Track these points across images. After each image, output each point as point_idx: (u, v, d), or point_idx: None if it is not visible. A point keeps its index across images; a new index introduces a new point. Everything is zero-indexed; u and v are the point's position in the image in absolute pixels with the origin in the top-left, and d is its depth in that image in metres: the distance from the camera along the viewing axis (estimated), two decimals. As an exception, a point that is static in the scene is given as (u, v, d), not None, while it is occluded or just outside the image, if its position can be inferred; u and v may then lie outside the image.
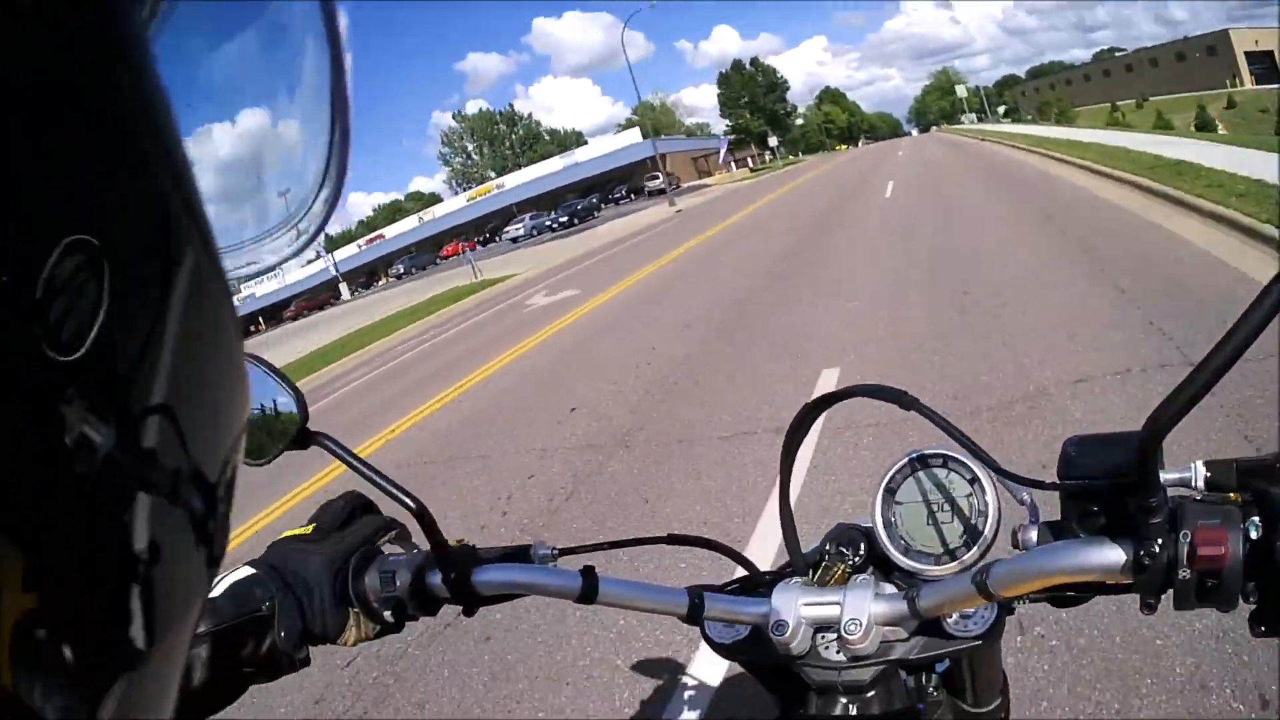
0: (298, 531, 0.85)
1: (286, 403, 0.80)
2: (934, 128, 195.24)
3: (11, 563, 0.19)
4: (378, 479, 0.79)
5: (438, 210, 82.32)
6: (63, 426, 0.21)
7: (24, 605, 0.20)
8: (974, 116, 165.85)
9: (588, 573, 0.77)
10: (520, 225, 56.93)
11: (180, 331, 0.25)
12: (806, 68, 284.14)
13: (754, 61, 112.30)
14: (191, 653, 0.70)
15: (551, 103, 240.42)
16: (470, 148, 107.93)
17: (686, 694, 2.59)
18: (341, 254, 78.13)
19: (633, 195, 62.97)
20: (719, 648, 0.80)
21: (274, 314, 65.09)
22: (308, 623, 0.78)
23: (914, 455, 0.78)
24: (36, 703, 0.20)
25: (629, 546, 0.88)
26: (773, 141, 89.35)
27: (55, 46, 0.20)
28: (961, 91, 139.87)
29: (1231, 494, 0.55)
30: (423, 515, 0.78)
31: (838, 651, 0.73)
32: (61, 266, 0.20)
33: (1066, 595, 0.66)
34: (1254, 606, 0.52)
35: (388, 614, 0.81)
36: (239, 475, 0.29)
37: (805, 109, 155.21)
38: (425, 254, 71.63)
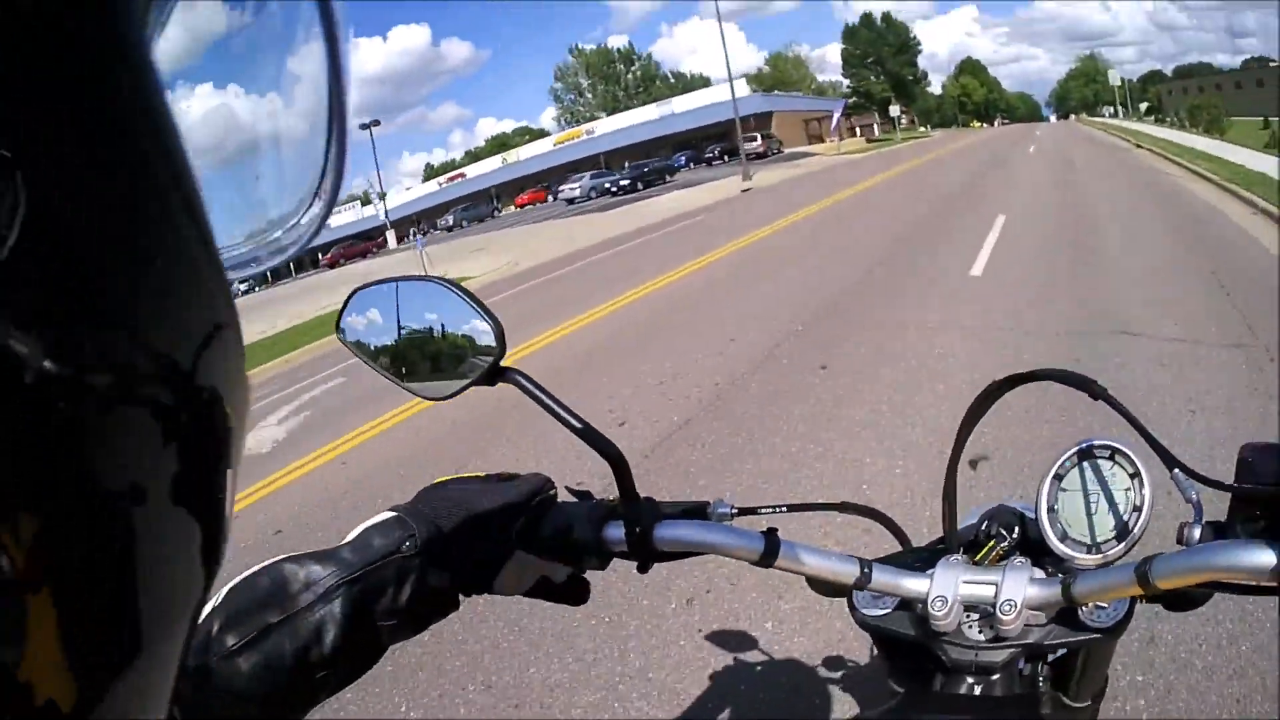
0: (463, 474, 0.84)
1: (485, 331, 0.77)
2: (1072, 115, 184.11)
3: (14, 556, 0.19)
4: (573, 420, 0.77)
5: (523, 152, 77.21)
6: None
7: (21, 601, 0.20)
8: (1114, 110, 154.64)
9: (770, 535, 0.78)
10: (578, 185, 48.82)
11: (180, 329, 0.25)
12: (953, 37, 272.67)
13: (885, 17, 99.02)
14: (320, 613, 0.67)
15: (696, 44, 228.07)
16: (585, 84, 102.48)
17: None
18: (420, 191, 73.51)
19: (726, 157, 56.14)
20: (863, 620, 0.82)
21: (311, 258, 55.17)
22: (461, 563, 0.76)
23: (1084, 445, 0.79)
24: (35, 701, 0.20)
25: (805, 510, 0.89)
26: (894, 110, 77.74)
27: (55, 46, 0.20)
28: (1114, 79, 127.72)
29: None
30: (619, 462, 0.77)
31: (979, 631, 0.76)
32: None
33: (1185, 599, 0.72)
34: None
35: (557, 566, 0.82)
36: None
37: (945, 79, 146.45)
38: (483, 205, 63.12)
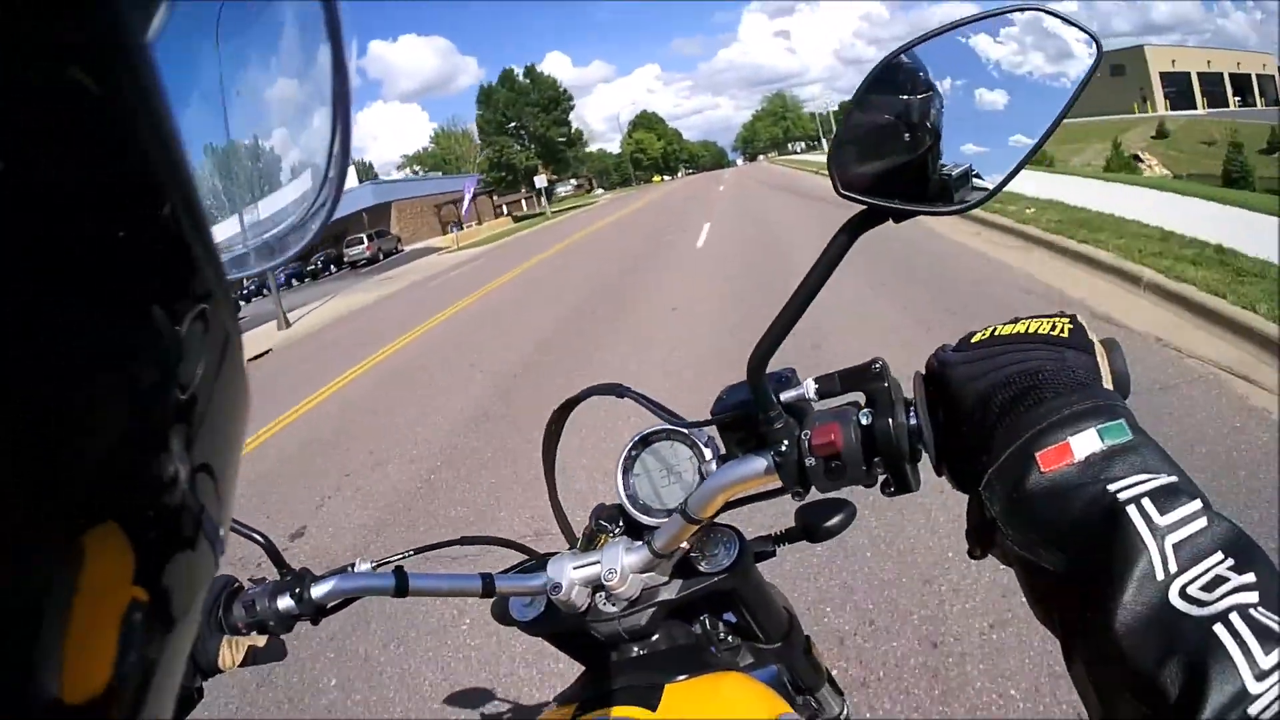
0: None
1: None
2: (761, 157, 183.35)
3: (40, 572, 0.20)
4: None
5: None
6: (165, 448, 0.23)
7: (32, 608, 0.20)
8: (802, 145, 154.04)
9: (399, 572, 0.89)
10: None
11: (179, 329, 0.25)
12: (634, 95, 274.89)
13: (529, 71, 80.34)
14: None
15: (377, 130, 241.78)
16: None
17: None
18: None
19: (333, 268, 42.34)
20: (525, 626, 0.92)
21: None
22: (195, 655, 0.89)
23: (636, 437, 0.91)
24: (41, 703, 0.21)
25: (428, 551, 1.02)
26: (540, 181, 63.60)
27: (54, 46, 0.20)
28: (820, 108, 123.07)
29: (850, 397, 0.67)
30: (268, 545, 0.94)
31: (614, 605, 0.87)
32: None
33: (822, 528, 0.90)
34: (884, 476, 0.65)
35: (256, 636, 0.92)
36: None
37: (621, 138, 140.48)
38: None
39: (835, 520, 0.90)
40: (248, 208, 0.46)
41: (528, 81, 78.65)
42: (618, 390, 0.88)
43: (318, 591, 0.90)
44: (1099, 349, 0.58)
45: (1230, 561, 0.43)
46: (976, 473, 0.54)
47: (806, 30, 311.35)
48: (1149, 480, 0.47)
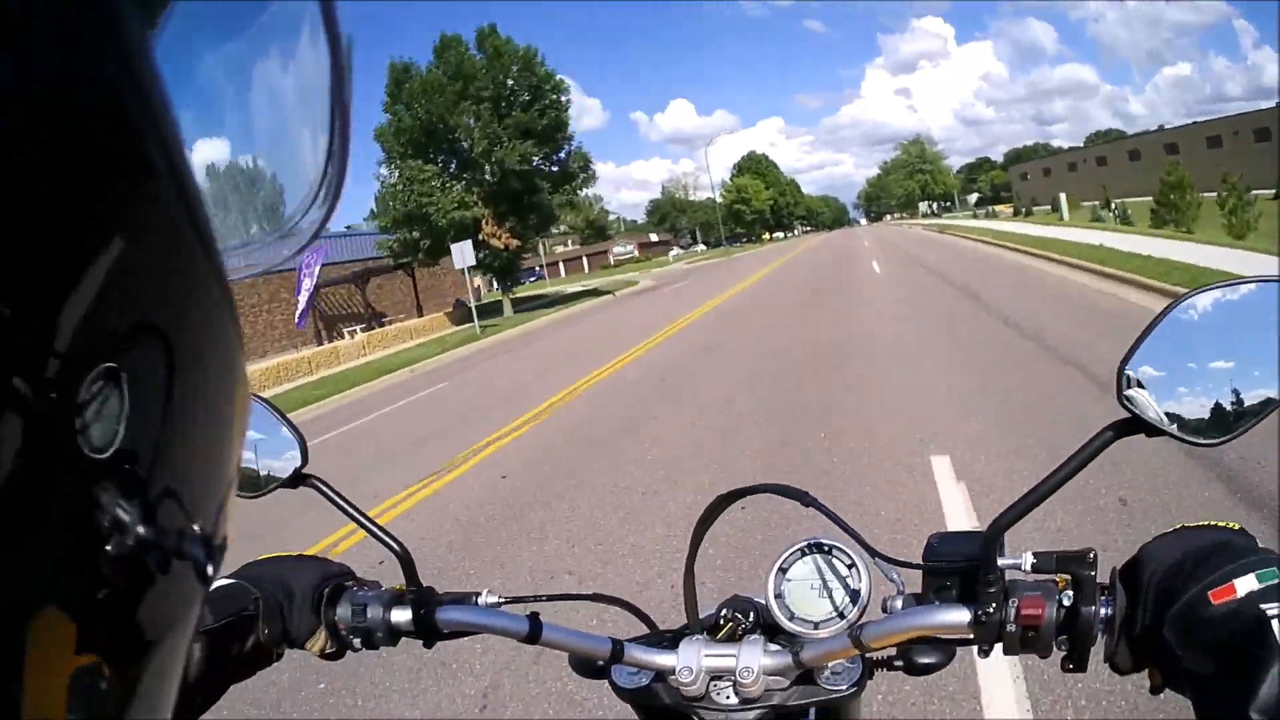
0: (279, 554, 0.98)
1: (290, 442, 0.92)
2: (888, 217, 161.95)
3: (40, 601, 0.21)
4: (367, 523, 0.92)
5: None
6: (98, 508, 0.23)
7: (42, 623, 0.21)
8: (932, 205, 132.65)
9: (533, 619, 0.88)
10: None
11: (179, 330, 0.25)
12: (758, 147, 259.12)
13: (484, 36, 32.65)
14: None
15: None
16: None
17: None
18: None
19: None
20: (623, 692, 0.92)
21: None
22: (286, 623, 0.90)
23: (808, 542, 0.92)
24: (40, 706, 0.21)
25: (560, 601, 1.05)
26: (461, 255, 25.39)
27: (55, 46, 0.20)
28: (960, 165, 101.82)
29: (1057, 576, 0.72)
30: (405, 556, 0.92)
31: (729, 698, 0.86)
32: (93, 387, 0.22)
33: (921, 663, 0.85)
34: (1064, 653, 0.72)
35: (356, 640, 0.93)
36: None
37: (723, 184, 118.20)
38: None
39: (935, 660, 0.87)
40: (246, 209, 0.46)
41: (483, 56, 32.71)
42: (802, 497, 0.88)
43: (443, 616, 0.91)
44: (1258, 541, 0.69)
45: None
46: (1154, 639, 0.66)
47: (927, 89, 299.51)
48: None
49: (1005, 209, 76.62)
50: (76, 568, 0.23)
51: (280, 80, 0.41)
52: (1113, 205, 39.37)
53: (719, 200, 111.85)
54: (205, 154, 0.41)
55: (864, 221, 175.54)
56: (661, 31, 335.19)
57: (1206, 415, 0.65)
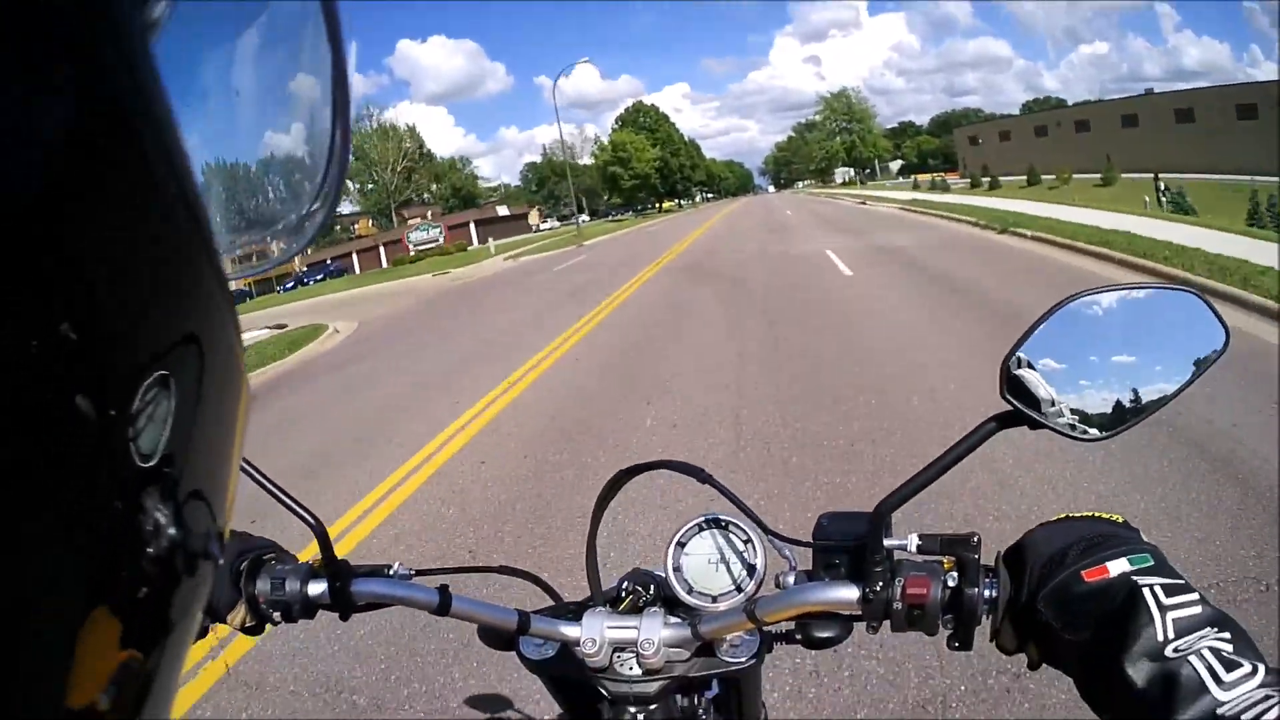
0: None
1: None
2: (799, 184, 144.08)
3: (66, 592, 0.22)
4: (284, 496, 0.92)
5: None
6: (143, 512, 0.24)
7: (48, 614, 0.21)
8: (855, 172, 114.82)
9: (443, 591, 0.91)
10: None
11: (180, 329, 0.26)
12: (665, 113, 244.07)
13: None
14: None
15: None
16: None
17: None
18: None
19: None
20: (531, 664, 0.96)
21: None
22: (211, 600, 0.87)
23: (704, 518, 0.95)
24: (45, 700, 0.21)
25: (466, 573, 1.07)
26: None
27: (55, 46, 0.20)
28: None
29: (943, 559, 0.76)
30: (320, 531, 0.92)
31: (631, 668, 0.90)
32: (146, 396, 0.23)
33: (818, 637, 0.85)
34: (950, 631, 0.75)
35: (275, 614, 0.93)
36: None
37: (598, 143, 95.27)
38: None
39: (832, 634, 0.87)
40: (246, 207, 0.46)
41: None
42: (698, 474, 0.92)
43: (357, 589, 0.92)
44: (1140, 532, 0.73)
45: (1217, 631, 0.59)
46: (1031, 617, 0.70)
47: (837, 58, 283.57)
48: (1159, 579, 0.64)
49: (952, 177, 63.53)
50: (124, 569, 0.24)
51: (281, 80, 0.41)
52: (1162, 187, 31.25)
53: (590, 162, 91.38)
54: (205, 154, 0.41)
55: (771, 189, 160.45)
56: None
57: (1100, 409, 0.70)
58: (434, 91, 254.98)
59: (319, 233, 0.41)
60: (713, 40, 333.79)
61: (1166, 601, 0.62)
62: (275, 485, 0.91)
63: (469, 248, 54.08)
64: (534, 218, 67.15)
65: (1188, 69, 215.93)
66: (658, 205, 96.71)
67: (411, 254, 52.97)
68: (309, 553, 0.96)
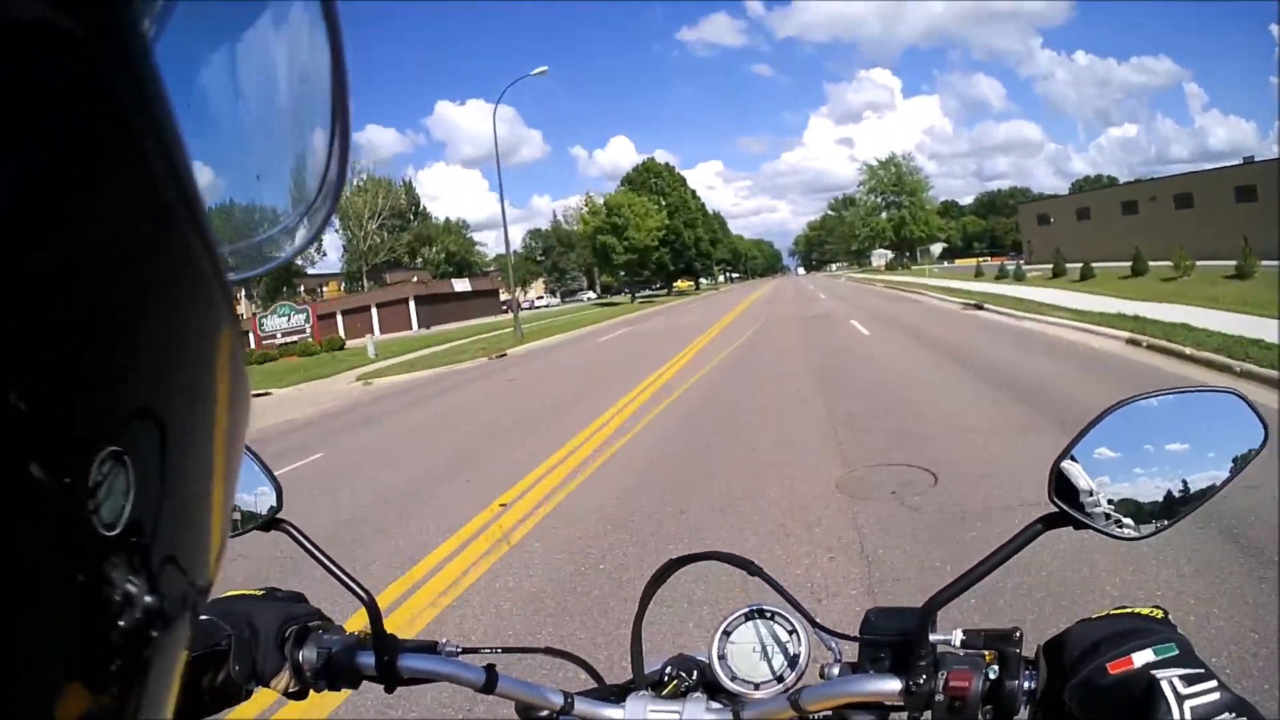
0: (247, 591, 1.00)
1: (265, 489, 0.99)
2: (832, 265, 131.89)
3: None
4: (336, 569, 0.96)
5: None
6: (109, 583, 0.23)
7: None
8: (887, 255, 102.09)
9: (489, 669, 0.94)
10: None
11: (181, 331, 0.26)
12: (697, 190, 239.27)
13: None
14: None
15: (438, 190, 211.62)
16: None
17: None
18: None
19: None
20: None
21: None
22: (253, 663, 0.93)
23: (752, 608, 0.95)
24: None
25: (512, 653, 1.06)
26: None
27: (55, 46, 0.20)
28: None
29: (985, 652, 0.78)
30: (371, 604, 0.95)
31: None
32: (102, 468, 0.22)
33: None
34: None
35: (321, 681, 0.96)
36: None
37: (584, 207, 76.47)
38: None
39: None
40: (245, 209, 0.45)
41: None
42: (748, 566, 0.93)
43: (404, 663, 0.94)
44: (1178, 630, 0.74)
45: (1234, 716, 0.61)
46: (1060, 709, 0.73)
47: (869, 140, 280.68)
48: (1180, 670, 0.66)
49: (996, 261, 56.49)
50: (93, 643, 0.23)
51: (281, 80, 0.41)
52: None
53: (576, 228, 76.95)
54: (206, 154, 0.40)
55: (801, 271, 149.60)
56: (608, 67, 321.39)
57: (1145, 503, 0.73)
58: (469, 155, 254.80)
59: (320, 231, 0.41)
60: (747, 118, 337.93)
61: (1184, 691, 0.64)
62: (326, 556, 0.96)
63: (346, 345, 38.15)
64: (521, 293, 54.24)
65: (1214, 150, 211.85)
66: (667, 286, 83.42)
67: (265, 348, 36.27)
68: (355, 620, 0.98)
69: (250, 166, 0.43)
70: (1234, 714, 0.61)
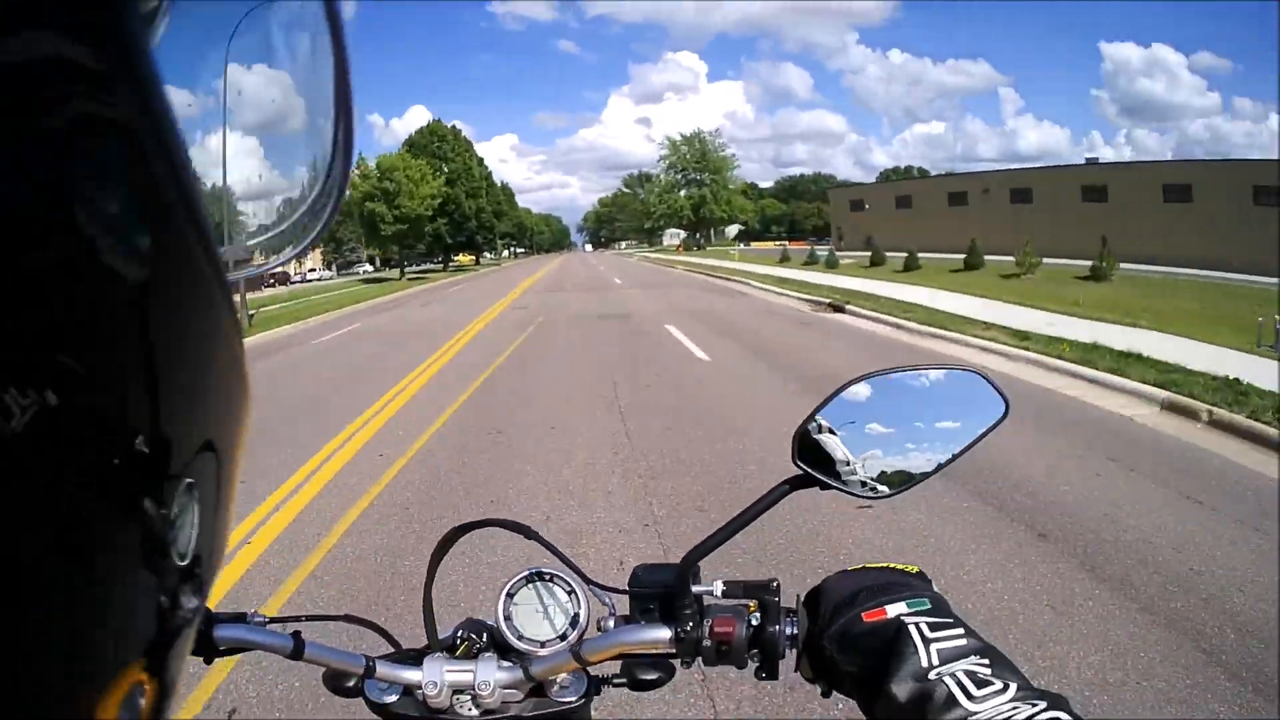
0: None
1: None
2: (621, 244, 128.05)
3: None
4: None
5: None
6: (179, 607, 0.25)
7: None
8: (679, 235, 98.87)
9: (297, 637, 0.96)
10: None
11: (180, 329, 0.26)
12: (489, 163, 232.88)
13: None
14: None
15: (216, 158, 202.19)
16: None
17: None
18: None
19: None
20: (376, 706, 0.97)
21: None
22: None
23: (530, 571, 0.99)
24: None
25: (312, 621, 1.08)
26: None
27: (55, 46, 0.20)
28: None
29: (748, 602, 0.85)
30: None
31: (470, 710, 0.94)
32: (180, 500, 0.24)
33: (642, 680, 0.95)
34: (756, 664, 0.85)
35: None
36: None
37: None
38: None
39: (654, 677, 0.97)
40: (249, 206, 0.44)
41: None
42: (525, 531, 0.97)
43: (219, 634, 0.96)
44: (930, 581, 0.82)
45: (978, 658, 0.66)
46: (819, 653, 0.79)
47: (669, 121, 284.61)
48: (928, 617, 0.72)
49: (797, 246, 52.37)
50: (164, 651, 0.25)
51: (283, 79, 0.40)
52: None
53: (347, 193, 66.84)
54: (206, 154, 0.40)
55: (589, 248, 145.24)
56: (413, 34, 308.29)
57: (891, 470, 0.80)
58: (249, 121, 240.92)
59: (324, 230, 0.40)
60: (548, 93, 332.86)
61: (931, 635, 0.69)
62: None
63: None
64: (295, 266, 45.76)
65: (1024, 152, 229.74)
66: (445, 260, 75.48)
67: None
68: None
69: (250, 166, 0.42)
70: (980, 656, 0.66)
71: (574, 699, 0.96)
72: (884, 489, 0.81)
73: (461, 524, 0.99)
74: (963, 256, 29.89)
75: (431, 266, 78.88)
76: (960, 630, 0.69)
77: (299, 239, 0.40)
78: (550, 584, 0.99)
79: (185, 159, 0.25)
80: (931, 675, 0.65)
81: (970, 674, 0.64)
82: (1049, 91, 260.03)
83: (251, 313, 23.40)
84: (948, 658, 0.66)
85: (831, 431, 0.80)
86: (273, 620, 1.02)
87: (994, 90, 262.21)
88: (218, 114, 0.40)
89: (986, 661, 0.65)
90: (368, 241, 64.06)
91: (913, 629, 0.70)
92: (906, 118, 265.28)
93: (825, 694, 0.82)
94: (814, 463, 0.80)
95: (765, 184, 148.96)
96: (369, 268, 78.09)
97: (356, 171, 54.43)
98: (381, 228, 55.63)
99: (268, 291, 46.40)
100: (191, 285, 0.25)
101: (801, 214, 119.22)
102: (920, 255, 32.36)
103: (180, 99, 0.26)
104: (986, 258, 29.87)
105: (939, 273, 27.04)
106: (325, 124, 0.36)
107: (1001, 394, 0.81)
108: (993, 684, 0.63)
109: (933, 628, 0.70)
